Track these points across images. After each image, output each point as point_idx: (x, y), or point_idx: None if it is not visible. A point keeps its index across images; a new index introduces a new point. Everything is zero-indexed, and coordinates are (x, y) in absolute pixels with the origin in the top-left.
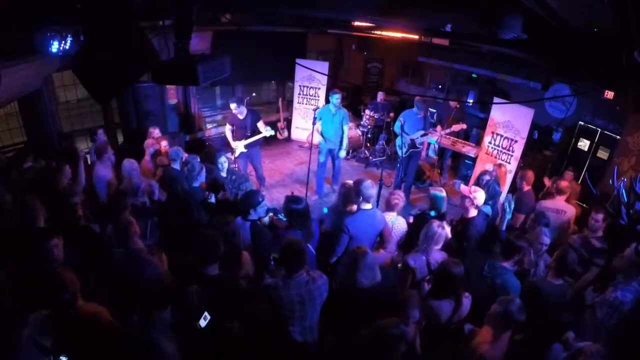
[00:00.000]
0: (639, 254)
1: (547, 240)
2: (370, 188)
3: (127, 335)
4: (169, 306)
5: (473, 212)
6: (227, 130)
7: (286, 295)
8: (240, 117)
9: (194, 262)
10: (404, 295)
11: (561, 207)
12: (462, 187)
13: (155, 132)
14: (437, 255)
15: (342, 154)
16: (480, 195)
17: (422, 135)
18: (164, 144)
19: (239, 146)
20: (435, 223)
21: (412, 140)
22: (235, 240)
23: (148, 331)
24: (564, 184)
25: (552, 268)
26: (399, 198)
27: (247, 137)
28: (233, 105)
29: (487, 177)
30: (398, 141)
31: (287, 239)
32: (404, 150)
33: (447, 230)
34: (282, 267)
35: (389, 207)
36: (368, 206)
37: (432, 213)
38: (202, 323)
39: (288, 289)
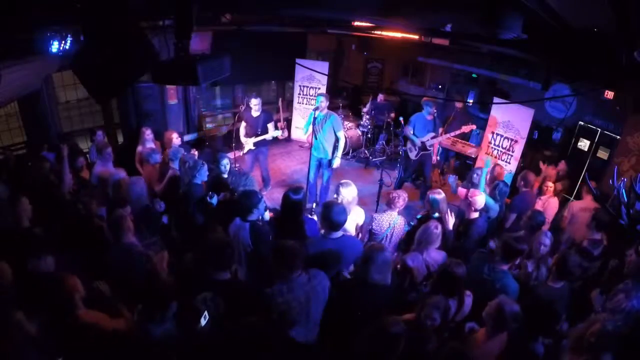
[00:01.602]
0: None
1: (547, 241)
2: (342, 214)
3: (127, 337)
4: (169, 305)
5: (474, 214)
6: (242, 126)
7: (294, 298)
8: (255, 115)
9: (204, 268)
10: (429, 297)
11: (594, 205)
12: (460, 190)
13: (147, 132)
14: (435, 254)
15: (337, 162)
16: (479, 199)
17: (432, 138)
18: (175, 135)
19: (249, 143)
20: (432, 223)
21: (423, 142)
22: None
23: (147, 328)
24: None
25: (552, 272)
26: (400, 197)
27: (256, 135)
28: (256, 101)
29: (479, 173)
30: (409, 145)
31: (281, 241)
32: (415, 153)
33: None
34: (281, 269)
35: (390, 205)
36: (337, 234)
37: (435, 215)
38: (202, 322)
39: (293, 291)
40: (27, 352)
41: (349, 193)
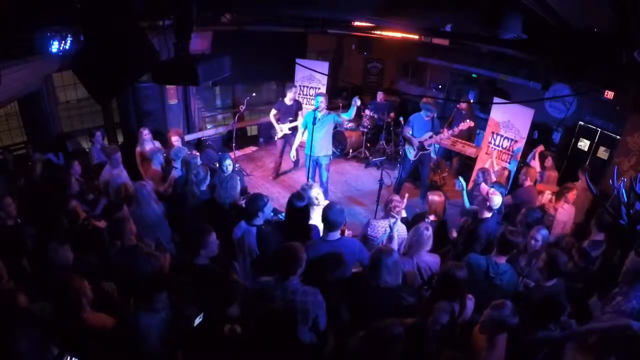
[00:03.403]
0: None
1: (539, 236)
2: (340, 214)
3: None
4: (161, 292)
5: (487, 214)
6: (272, 114)
7: (278, 295)
8: (289, 103)
9: (184, 254)
10: (437, 302)
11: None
12: (482, 186)
13: (145, 132)
14: (427, 257)
15: (353, 112)
16: (496, 199)
17: (430, 137)
18: (174, 138)
19: (284, 129)
20: (423, 225)
21: (421, 142)
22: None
23: (139, 317)
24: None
25: (543, 273)
26: (399, 202)
27: (290, 122)
28: (296, 89)
29: (481, 176)
30: (408, 145)
31: (286, 244)
32: (414, 153)
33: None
34: (276, 270)
35: (389, 213)
36: (335, 236)
37: (430, 218)
38: (197, 321)
39: (279, 290)
40: (32, 337)
41: (317, 192)
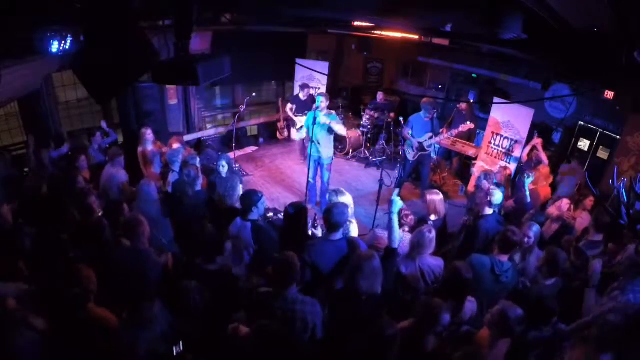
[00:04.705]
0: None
1: (530, 233)
2: (341, 215)
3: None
4: (154, 302)
5: (488, 211)
6: (288, 108)
7: (279, 307)
8: (303, 98)
9: (197, 258)
10: (434, 303)
11: (579, 168)
12: (484, 182)
13: (147, 132)
14: (430, 260)
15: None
16: (496, 194)
17: (429, 138)
18: (175, 146)
19: (301, 120)
20: (426, 228)
21: (420, 143)
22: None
23: (131, 329)
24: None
25: (543, 271)
26: (407, 210)
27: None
28: (306, 90)
29: (483, 178)
30: (407, 145)
31: (283, 253)
32: (413, 154)
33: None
34: (275, 280)
35: (401, 222)
36: (338, 236)
37: (432, 218)
38: (175, 350)
39: (279, 301)
40: (28, 342)
41: (349, 201)
